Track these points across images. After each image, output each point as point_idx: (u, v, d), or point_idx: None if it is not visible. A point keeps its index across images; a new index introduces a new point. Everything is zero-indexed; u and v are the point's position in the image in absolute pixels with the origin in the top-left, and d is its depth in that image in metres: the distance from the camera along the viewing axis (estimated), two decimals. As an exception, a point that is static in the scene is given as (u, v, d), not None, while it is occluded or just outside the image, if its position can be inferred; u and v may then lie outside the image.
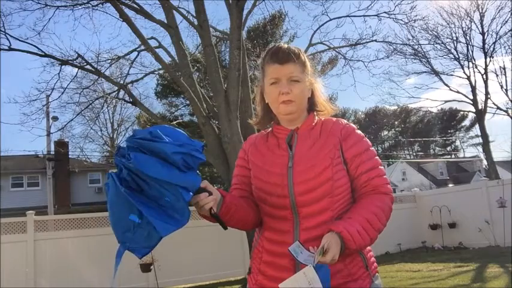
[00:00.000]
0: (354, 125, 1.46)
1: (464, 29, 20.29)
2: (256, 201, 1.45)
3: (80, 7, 9.75)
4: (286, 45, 1.44)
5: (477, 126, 26.41)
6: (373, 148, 1.44)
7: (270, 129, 1.54)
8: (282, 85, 1.39)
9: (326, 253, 1.20)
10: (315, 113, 1.49)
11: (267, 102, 1.49)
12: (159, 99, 23.83)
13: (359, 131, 1.45)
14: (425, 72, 21.21)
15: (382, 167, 1.43)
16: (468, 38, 20.41)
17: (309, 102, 1.48)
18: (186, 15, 10.67)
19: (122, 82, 10.41)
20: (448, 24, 20.23)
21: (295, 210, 1.36)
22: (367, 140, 1.45)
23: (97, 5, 9.76)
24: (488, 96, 20.43)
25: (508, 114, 20.71)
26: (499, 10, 19.28)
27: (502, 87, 20.34)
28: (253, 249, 1.48)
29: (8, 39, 8.87)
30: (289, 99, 1.39)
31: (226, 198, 1.34)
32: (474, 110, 21.08)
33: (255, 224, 1.47)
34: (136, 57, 10.87)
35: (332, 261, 1.21)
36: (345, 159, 1.40)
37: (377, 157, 1.44)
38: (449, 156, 48.27)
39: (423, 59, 20.67)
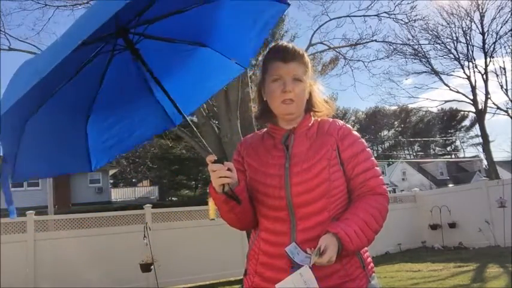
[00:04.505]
0: (350, 126, 1.46)
1: (464, 29, 20.30)
2: (253, 202, 1.44)
3: (79, 7, 9.75)
4: (291, 45, 1.43)
5: (477, 126, 26.42)
6: (369, 149, 1.44)
7: (266, 129, 1.53)
8: (285, 83, 1.38)
9: (323, 254, 1.20)
10: (311, 114, 1.48)
11: (265, 100, 1.47)
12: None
13: (355, 132, 1.45)
14: (425, 72, 21.23)
15: (378, 168, 1.43)
16: (468, 38, 20.43)
17: (306, 103, 1.47)
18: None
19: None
20: (448, 24, 20.25)
21: (292, 211, 1.35)
22: (363, 140, 1.45)
23: (97, 5, 9.75)
24: (488, 96, 20.46)
25: (508, 114, 20.72)
26: (499, 10, 19.23)
27: (502, 87, 20.36)
28: (249, 251, 1.47)
29: (7, 39, 8.89)
30: (290, 98, 1.38)
31: (241, 183, 1.35)
32: (474, 110, 21.09)
33: (253, 224, 1.46)
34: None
35: (329, 262, 1.21)
36: (341, 160, 1.39)
37: (373, 158, 1.43)
38: (449, 156, 48.25)
39: (423, 59, 20.68)
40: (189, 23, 1.62)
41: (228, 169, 1.29)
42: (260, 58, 1.61)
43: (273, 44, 1.48)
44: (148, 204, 8.79)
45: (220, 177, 1.28)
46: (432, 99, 45.76)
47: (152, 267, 7.20)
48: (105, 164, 1.79)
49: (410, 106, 26.81)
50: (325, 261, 1.20)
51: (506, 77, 20.28)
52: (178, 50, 1.69)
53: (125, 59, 1.60)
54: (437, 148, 53.05)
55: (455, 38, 20.45)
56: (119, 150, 1.78)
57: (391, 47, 15.66)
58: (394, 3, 12.03)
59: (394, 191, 28.65)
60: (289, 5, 1.59)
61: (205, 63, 1.75)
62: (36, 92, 1.20)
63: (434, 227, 10.92)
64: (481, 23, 20.11)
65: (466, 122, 48.06)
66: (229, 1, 1.58)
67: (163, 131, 1.83)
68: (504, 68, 20.15)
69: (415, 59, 20.32)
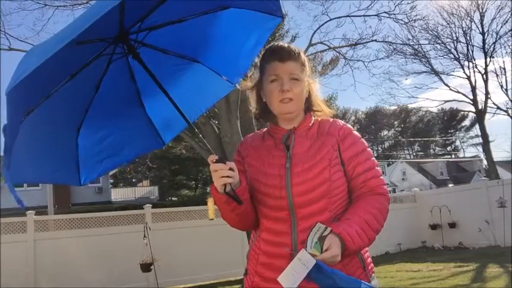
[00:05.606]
0: (350, 126, 1.46)
1: (464, 28, 20.34)
2: (254, 202, 1.44)
3: (79, 7, 9.73)
4: (286, 44, 1.44)
5: (477, 126, 26.43)
6: (369, 149, 1.45)
7: (266, 129, 1.53)
8: (283, 82, 1.38)
9: (326, 250, 1.20)
10: (311, 113, 1.48)
11: (264, 101, 1.47)
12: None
13: (356, 132, 1.46)
14: (425, 72, 21.26)
15: (378, 168, 1.43)
16: (468, 38, 20.46)
17: (306, 102, 1.47)
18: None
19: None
20: (448, 24, 20.29)
21: (293, 211, 1.35)
22: (364, 141, 1.45)
23: (97, 5, 9.75)
24: (488, 96, 20.47)
25: (508, 114, 20.73)
26: (499, 10, 19.28)
27: (502, 87, 20.37)
28: (250, 251, 1.47)
29: (7, 39, 8.88)
30: (289, 97, 1.38)
31: (243, 183, 1.34)
32: (474, 110, 21.10)
33: (254, 224, 1.46)
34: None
35: (333, 261, 1.20)
36: (342, 160, 1.39)
37: (373, 158, 1.44)
38: (449, 156, 48.23)
39: (423, 59, 20.70)
40: (185, 34, 1.59)
41: (230, 169, 1.28)
42: (257, 60, 1.62)
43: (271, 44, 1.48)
44: (148, 204, 8.80)
45: (222, 176, 1.28)
46: (432, 99, 46.02)
47: (152, 267, 7.20)
48: (94, 178, 1.71)
49: (410, 106, 26.89)
50: (328, 256, 1.18)
51: (506, 77, 20.44)
52: (171, 63, 1.65)
53: (120, 68, 1.58)
54: (437, 148, 53.06)
55: (455, 38, 20.50)
56: (109, 165, 1.73)
57: (391, 47, 15.63)
58: (394, 3, 11.99)
59: (394, 191, 28.64)
60: (283, 18, 1.60)
61: (197, 80, 1.72)
62: (33, 90, 1.17)
63: (434, 227, 10.92)
64: (481, 23, 20.16)
65: (466, 122, 48.11)
66: (225, 15, 1.57)
67: (152, 149, 1.82)
68: (504, 68, 20.22)
69: (415, 59, 20.35)
